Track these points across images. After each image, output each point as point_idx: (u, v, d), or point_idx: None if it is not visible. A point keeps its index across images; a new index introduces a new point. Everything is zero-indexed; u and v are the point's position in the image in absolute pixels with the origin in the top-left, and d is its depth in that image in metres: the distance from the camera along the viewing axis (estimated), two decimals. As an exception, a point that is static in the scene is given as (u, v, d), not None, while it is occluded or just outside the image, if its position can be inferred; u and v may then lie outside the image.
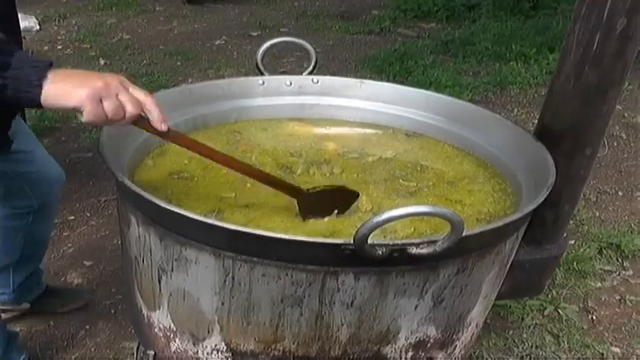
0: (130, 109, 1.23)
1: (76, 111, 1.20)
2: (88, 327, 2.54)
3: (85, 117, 1.20)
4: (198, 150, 1.40)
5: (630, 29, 1.63)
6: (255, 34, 6.89)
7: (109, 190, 3.45)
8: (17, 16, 1.78)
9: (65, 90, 1.19)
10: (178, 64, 5.69)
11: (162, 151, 1.76)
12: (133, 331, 2.39)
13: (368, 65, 5.80)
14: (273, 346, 1.35)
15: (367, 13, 8.02)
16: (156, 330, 1.51)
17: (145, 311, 1.53)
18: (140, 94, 1.26)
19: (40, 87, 1.18)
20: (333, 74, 2.16)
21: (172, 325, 1.45)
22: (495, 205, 1.62)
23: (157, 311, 1.47)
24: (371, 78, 2.00)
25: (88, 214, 3.27)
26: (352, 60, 6.08)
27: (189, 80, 5.19)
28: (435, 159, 1.86)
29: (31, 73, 1.18)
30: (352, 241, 1.13)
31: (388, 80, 5.14)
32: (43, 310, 2.56)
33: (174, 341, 1.48)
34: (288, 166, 1.74)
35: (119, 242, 2.97)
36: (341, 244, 1.17)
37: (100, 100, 1.20)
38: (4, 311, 2.46)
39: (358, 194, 1.56)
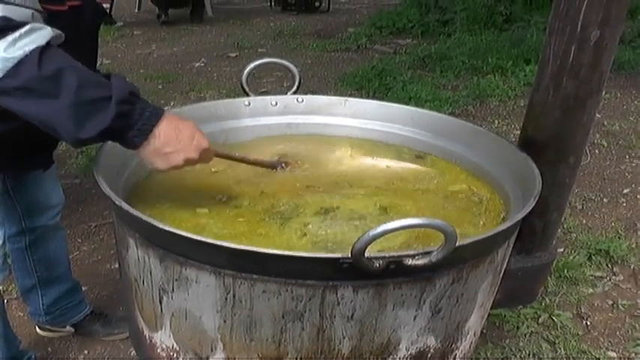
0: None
1: None
2: (86, 352, 2.54)
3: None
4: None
5: (604, 40, 1.68)
6: (233, 55, 6.94)
7: (99, 215, 3.46)
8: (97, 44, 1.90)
9: (151, 162, 1.39)
10: (160, 87, 5.72)
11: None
12: (132, 353, 2.40)
13: (347, 82, 5.85)
14: (276, 362, 1.37)
15: (343, 30, 8.10)
16: (159, 350, 1.52)
17: (146, 332, 1.54)
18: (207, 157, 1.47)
19: (140, 147, 1.35)
20: (313, 92, 2.19)
21: (175, 344, 1.46)
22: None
23: (160, 332, 1.48)
24: (351, 95, 2.03)
25: (79, 240, 3.27)
26: (331, 77, 6.13)
27: (172, 104, 5.20)
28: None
29: (137, 135, 1.33)
30: (350, 255, 1.16)
31: (368, 97, 5.20)
32: (87, 335, 2.58)
33: (178, 361, 1.49)
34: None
35: (112, 267, 3.01)
36: (339, 258, 1.19)
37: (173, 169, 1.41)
38: (44, 331, 2.56)
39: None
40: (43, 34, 1.27)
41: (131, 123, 1.32)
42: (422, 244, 1.45)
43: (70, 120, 1.24)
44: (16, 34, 1.22)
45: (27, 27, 1.24)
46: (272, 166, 1.85)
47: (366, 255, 1.16)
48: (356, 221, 1.58)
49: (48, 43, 1.26)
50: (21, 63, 1.21)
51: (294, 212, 1.61)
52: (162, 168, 1.39)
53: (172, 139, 1.37)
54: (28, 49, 1.22)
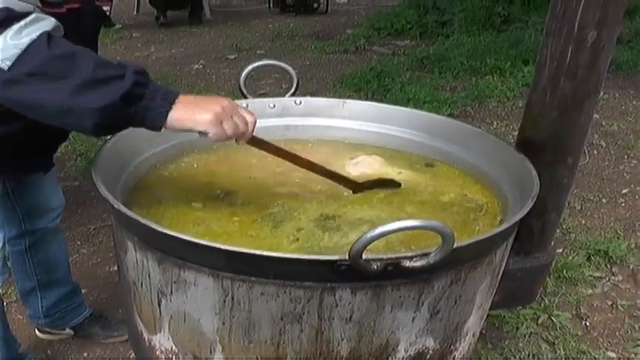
0: (242, 127, 1.38)
1: (201, 134, 1.34)
2: (86, 354, 2.54)
3: (212, 138, 1.34)
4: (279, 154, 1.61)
5: (601, 41, 1.69)
6: (232, 57, 6.94)
7: (98, 217, 3.46)
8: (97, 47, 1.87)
9: (190, 117, 1.31)
10: (158, 89, 5.71)
11: (156, 172, 1.80)
12: (131, 356, 2.40)
13: (346, 84, 5.85)
14: (275, 364, 1.37)
15: (341, 32, 8.11)
16: (158, 353, 1.52)
17: (145, 335, 1.54)
18: (247, 115, 1.41)
19: (166, 116, 1.29)
20: (311, 94, 2.19)
21: (174, 347, 1.46)
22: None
23: (158, 334, 1.48)
24: (349, 96, 2.02)
25: (79, 243, 3.27)
26: (330, 79, 6.13)
27: (171, 105, 5.18)
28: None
29: (161, 105, 1.29)
30: (347, 257, 1.16)
31: (367, 98, 5.19)
32: (87, 338, 2.58)
33: (177, 363, 1.50)
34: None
35: (111, 269, 3.01)
36: (336, 260, 1.20)
37: (221, 122, 1.33)
38: (43, 333, 2.56)
39: (400, 184, 1.79)
40: (47, 23, 1.27)
41: (151, 93, 1.28)
42: (406, 247, 1.45)
43: (86, 96, 1.22)
44: (22, 22, 1.22)
45: (32, 16, 1.25)
46: (354, 187, 1.75)
47: (363, 257, 1.16)
48: (360, 228, 1.56)
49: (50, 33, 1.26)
50: (29, 48, 1.20)
51: (286, 215, 1.61)
52: (206, 119, 1.31)
53: (194, 100, 1.34)
54: (34, 35, 1.22)
